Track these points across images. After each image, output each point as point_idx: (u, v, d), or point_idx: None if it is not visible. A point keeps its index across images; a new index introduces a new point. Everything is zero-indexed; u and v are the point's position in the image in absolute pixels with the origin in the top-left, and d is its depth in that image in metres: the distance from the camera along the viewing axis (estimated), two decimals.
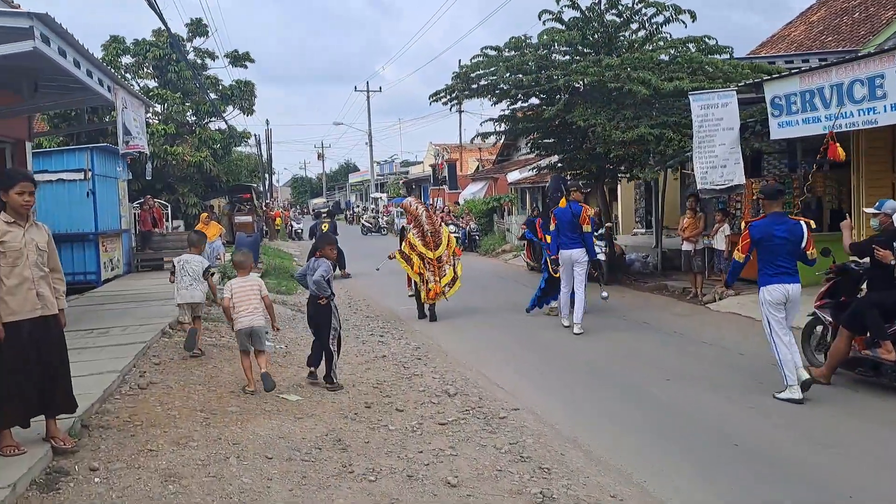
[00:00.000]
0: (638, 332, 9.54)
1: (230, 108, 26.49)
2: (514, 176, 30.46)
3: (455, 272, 10.84)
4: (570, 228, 9.51)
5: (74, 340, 7.41)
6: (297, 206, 79.21)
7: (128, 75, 25.98)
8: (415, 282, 10.86)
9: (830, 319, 6.63)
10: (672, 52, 13.21)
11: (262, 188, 42.33)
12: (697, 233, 12.04)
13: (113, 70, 25.07)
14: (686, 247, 12.19)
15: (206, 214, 15.87)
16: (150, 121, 25.27)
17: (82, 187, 13.48)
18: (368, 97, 51.68)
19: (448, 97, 14.11)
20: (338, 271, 17.27)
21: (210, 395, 5.73)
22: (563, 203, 9.75)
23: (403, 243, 11.06)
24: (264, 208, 33.21)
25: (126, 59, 25.96)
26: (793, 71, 10.75)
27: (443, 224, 11.05)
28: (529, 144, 15.71)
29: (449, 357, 8.20)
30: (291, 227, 38.95)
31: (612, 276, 14.39)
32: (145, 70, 25.91)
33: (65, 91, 9.34)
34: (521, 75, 13.09)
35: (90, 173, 13.47)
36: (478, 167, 42.14)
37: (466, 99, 14.59)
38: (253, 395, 5.95)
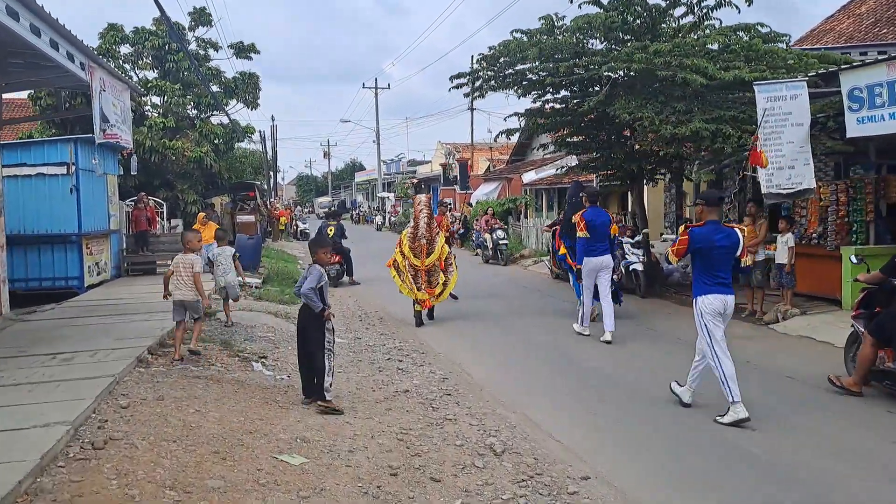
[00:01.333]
0: None
1: (233, 101, 25.11)
2: (529, 176, 29.06)
3: (447, 281, 10.49)
4: (603, 235, 9.17)
5: (29, 371, 6.05)
6: (302, 206, 77.86)
7: (126, 66, 24.64)
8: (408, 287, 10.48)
9: (863, 329, 6.46)
10: (723, 39, 11.78)
11: (266, 186, 40.99)
12: (756, 242, 10.60)
13: (110, 60, 23.88)
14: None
15: (204, 214, 14.55)
16: (149, 113, 24.00)
17: (65, 183, 12.14)
18: (377, 94, 50.37)
19: (471, 84, 12.68)
20: (345, 278, 15.96)
21: (187, 457, 4.34)
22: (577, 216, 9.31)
23: (395, 245, 10.79)
24: (268, 207, 31.87)
25: (125, 49, 24.62)
26: (879, 58, 9.34)
27: (439, 233, 10.71)
28: (557, 142, 14.28)
29: (484, 392, 6.81)
30: (297, 226, 37.63)
31: (650, 287, 13.01)
32: (144, 60, 24.55)
33: (33, 69, 7.98)
34: (552, 63, 11.64)
35: (73, 167, 12.11)
36: (489, 167, 40.74)
37: (490, 90, 13.15)
38: (181, 363, 6.61)
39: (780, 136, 9.85)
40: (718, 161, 10.91)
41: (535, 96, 13.59)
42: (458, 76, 12.65)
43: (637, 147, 12.98)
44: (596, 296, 9.33)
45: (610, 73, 11.77)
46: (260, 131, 41.79)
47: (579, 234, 9.20)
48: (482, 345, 9.13)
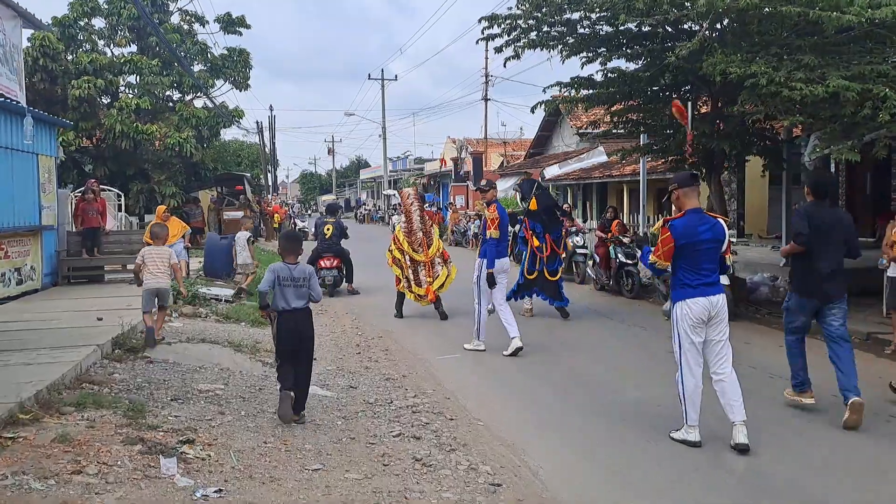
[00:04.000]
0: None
1: (220, 81, 22.17)
2: (552, 171, 26.09)
3: (448, 272, 10.13)
4: (506, 233, 8.34)
5: None
6: (306, 204, 75.02)
7: (100, 41, 21.74)
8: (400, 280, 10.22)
9: None
10: None
11: (263, 181, 38.09)
12: None
13: (81, 34, 20.88)
14: (893, 271, 7.72)
15: (164, 208, 11.58)
16: (121, 93, 21.10)
17: None
18: (383, 84, 47.42)
19: (507, 34, 9.64)
20: (344, 285, 13.03)
21: None
22: (492, 208, 8.23)
23: (391, 240, 10.46)
24: (260, 203, 28.91)
25: (99, 24, 21.70)
26: None
27: (433, 226, 10.59)
28: (614, 119, 11.27)
29: None
30: (294, 224, 34.66)
31: (734, 307, 9.93)
32: (121, 35, 21.61)
33: None
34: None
35: None
36: (502, 163, 37.71)
37: (529, 48, 10.11)
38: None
39: None
40: (859, 135, 7.82)
41: (584, 59, 10.58)
42: (492, 19, 9.55)
43: (718, 126, 9.97)
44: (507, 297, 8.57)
45: (695, 24, 8.77)
46: (257, 121, 38.96)
47: (491, 233, 7.94)
48: (543, 406, 6.06)
